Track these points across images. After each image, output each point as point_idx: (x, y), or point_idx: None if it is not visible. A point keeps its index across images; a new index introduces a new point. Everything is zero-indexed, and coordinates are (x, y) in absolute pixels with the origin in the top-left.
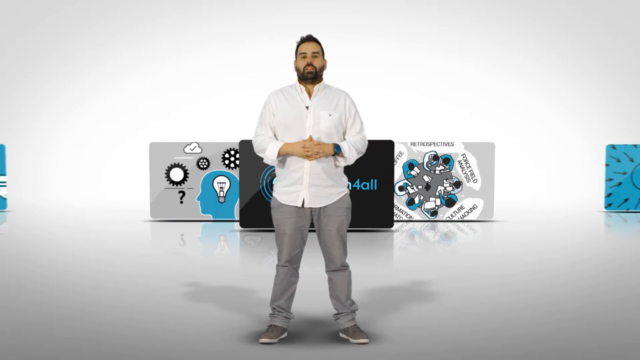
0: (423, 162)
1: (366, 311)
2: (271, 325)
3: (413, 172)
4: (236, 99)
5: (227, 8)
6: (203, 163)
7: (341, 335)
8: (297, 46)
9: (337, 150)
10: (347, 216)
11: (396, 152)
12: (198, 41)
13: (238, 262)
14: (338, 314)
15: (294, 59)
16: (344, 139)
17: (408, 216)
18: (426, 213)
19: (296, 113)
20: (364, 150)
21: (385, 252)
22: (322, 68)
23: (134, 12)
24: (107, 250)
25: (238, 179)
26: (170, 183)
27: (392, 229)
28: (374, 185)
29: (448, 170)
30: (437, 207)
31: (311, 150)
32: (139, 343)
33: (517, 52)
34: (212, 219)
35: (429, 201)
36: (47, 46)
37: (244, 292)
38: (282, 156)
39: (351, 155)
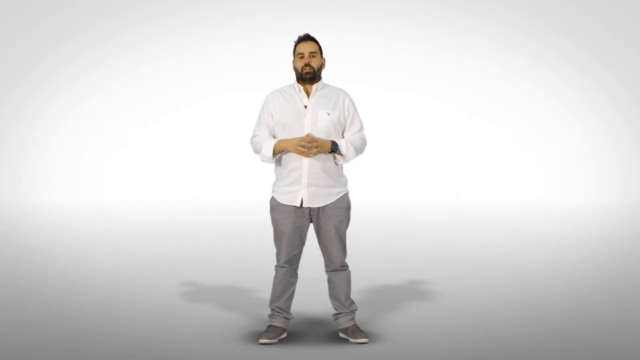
0: None
1: (366, 311)
2: (270, 326)
3: None
4: (236, 99)
5: (227, 8)
6: None
7: (341, 335)
8: (295, 46)
9: (334, 148)
10: (346, 216)
11: None
12: (198, 41)
13: (238, 262)
14: (337, 314)
15: (292, 58)
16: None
17: None
18: None
19: (295, 112)
20: (364, 150)
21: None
22: (321, 67)
23: (134, 12)
24: None
25: None
26: None
27: None
28: None
29: None
30: None
31: (308, 146)
32: (139, 343)
33: (517, 52)
34: None
35: None
36: (47, 46)
37: (244, 292)
38: (278, 154)
39: (349, 152)
